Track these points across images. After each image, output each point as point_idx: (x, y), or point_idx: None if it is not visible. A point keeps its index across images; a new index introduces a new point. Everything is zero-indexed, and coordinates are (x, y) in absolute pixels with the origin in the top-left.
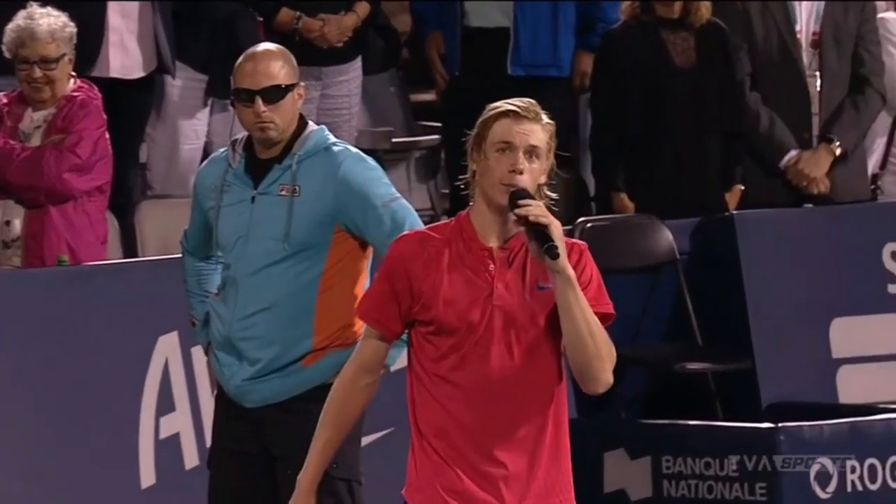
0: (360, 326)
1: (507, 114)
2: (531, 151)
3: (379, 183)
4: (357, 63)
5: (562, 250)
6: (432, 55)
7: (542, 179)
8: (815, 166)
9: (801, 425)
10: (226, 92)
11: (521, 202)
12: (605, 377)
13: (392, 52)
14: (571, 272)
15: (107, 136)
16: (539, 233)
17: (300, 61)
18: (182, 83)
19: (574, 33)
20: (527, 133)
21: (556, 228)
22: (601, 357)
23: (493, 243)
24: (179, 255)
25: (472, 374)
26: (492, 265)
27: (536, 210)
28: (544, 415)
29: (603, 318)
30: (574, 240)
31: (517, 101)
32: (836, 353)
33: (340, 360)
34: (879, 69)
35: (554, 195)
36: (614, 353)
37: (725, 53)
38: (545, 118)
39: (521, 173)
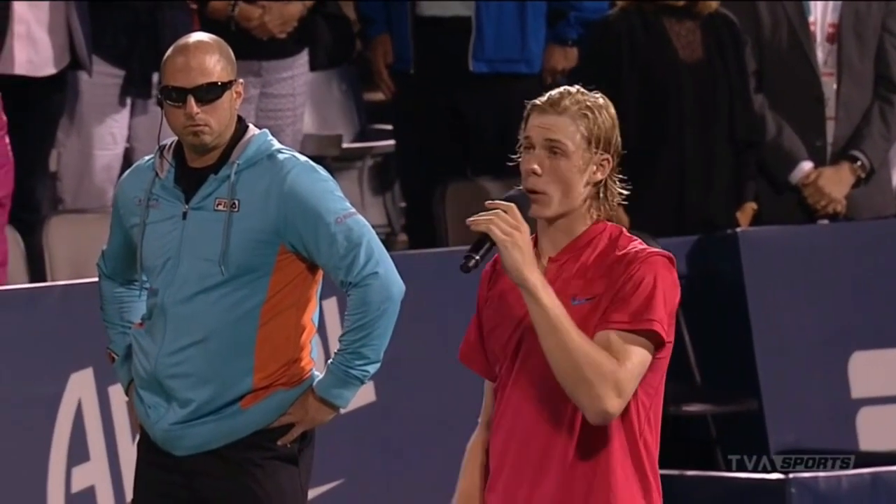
0: (307, 362)
1: (533, 108)
2: (551, 147)
3: (331, 196)
4: (303, 57)
5: (524, 261)
6: (378, 63)
7: (582, 178)
8: (836, 185)
9: (815, 476)
10: (147, 90)
11: (488, 208)
12: (595, 405)
13: (343, 44)
14: (533, 281)
15: (7, 140)
16: (479, 243)
17: (237, 55)
18: (97, 80)
19: (545, 23)
20: (546, 127)
21: (515, 248)
22: (586, 380)
23: (548, 254)
24: (95, 280)
25: (501, 405)
26: None
27: (483, 221)
28: (576, 441)
29: (646, 335)
30: (656, 249)
31: (555, 91)
32: (856, 392)
33: (285, 400)
34: None
35: (618, 199)
36: (617, 377)
37: (737, 48)
38: (579, 108)
39: (534, 173)
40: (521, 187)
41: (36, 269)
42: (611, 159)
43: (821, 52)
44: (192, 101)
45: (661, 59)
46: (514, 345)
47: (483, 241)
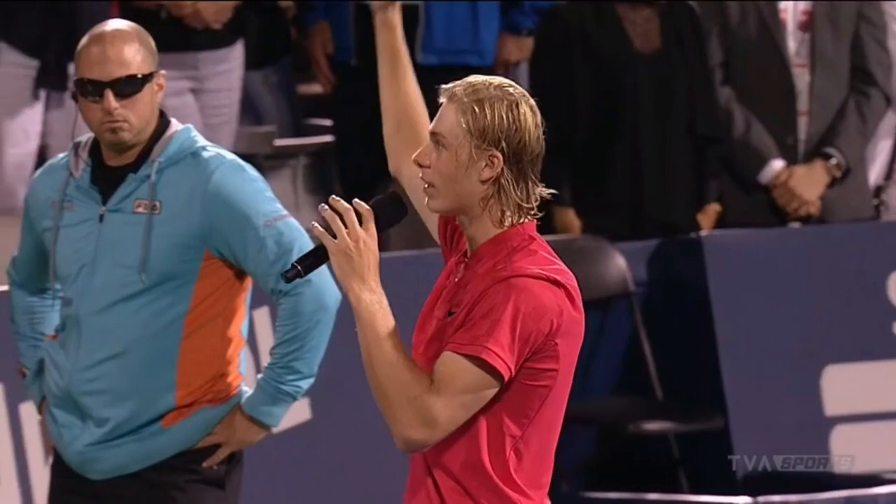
0: (235, 377)
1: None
2: (434, 138)
3: (261, 197)
4: (238, 49)
5: (349, 270)
6: (317, 53)
7: (468, 173)
8: (808, 186)
9: (786, 499)
10: (63, 81)
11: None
12: (397, 431)
13: (277, 40)
14: (355, 293)
15: None
16: (315, 248)
17: (168, 46)
18: (6, 70)
19: (499, 12)
20: (435, 118)
21: (341, 255)
22: (390, 404)
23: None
24: (5, 288)
25: None
26: (446, 285)
27: (320, 229)
28: (442, 466)
29: (477, 362)
30: (537, 272)
31: (467, 79)
32: (830, 409)
33: (211, 419)
34: (886, 60)
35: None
36: (424, 404)
37: (697, 38)
38: (470, 99)
39: (419, 164)
40: (394, 189)
41: None
42: (501, 157)
43: (792, 42)
44: (109, 95)
45: (615, 49)
46: (416, 354)
47: (319, 248)
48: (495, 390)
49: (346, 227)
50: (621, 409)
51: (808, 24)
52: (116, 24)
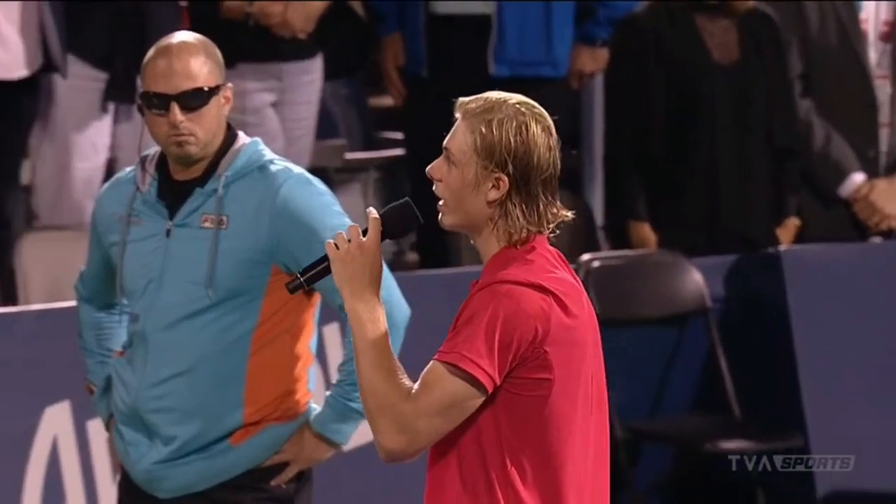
0: (304, 394)
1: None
2: (445, 153)
3: (329, 211)
4: (319, 60)
5: (346, 278)
6: (388, 65)
7: (476, 193)
8: (890, 200)
9: None
10: (131, 94)
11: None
12: (377, 440)
13: (358, 50)
14: (351, 303)
15: None
16: (321, 258)
17: (253, 56)
18: (75, 83)
19: (573, 22)
20: (449, 133)
21: (338, 262)
22: (371, 412)
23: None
24: (73, 304)
25: None
26: None
27: (341, 239)
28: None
29: (452, 369)
30: (519, 278)
31: (484, 95)
32: None
33: (279, 436)
34: None
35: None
36: (399, 411)
37: (776, 48)
38: (482, 117)
39: (435, 178)
40: (407, 198)
41: (8, 291)
42: (507, 180)
43: (873, 53)
44: (175, 108)
45: (692, 60)
46: None
47: (325, 258)
48: (478, 399)
49: (349, 235)
50: (698, 427)
51: (889, 35)
52: (183, 35)
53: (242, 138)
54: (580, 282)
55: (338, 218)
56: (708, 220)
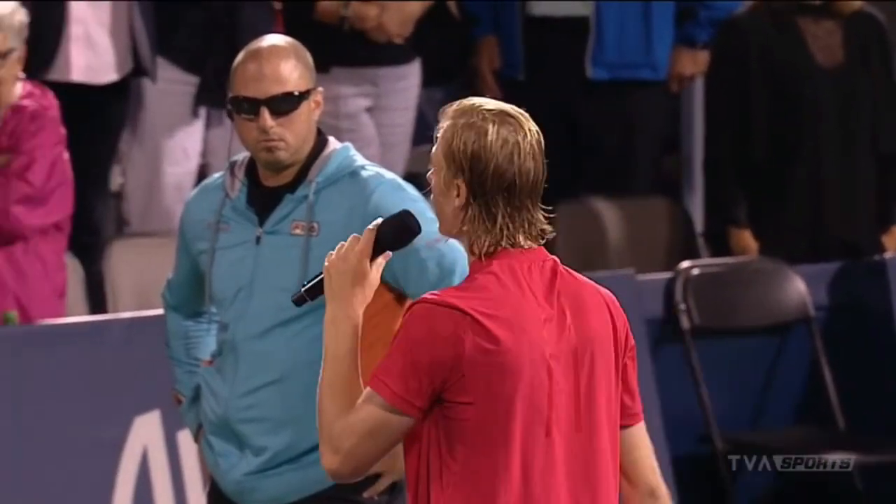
0: None
1: None
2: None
3: (422, 218)
4: (416, 66)
5: (330, 290)
6: (483, 69)
7: (447, 200)
8: None
9: None
10: (222, 98)
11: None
12: (323, 460)
13: (457, 55)
14: (331, 313)
15: (66, 156)
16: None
17: (348, 61)
18: (165, 87)
19: (673, 24)
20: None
21: (325, 272)
22: (321, 435)
23: None
24: (161, 312)
25: None
26: None
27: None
28: None
29: (369, 393)
30: (424, 301)
31: (468, 100)
32: None
33: None
34: None
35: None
36: (331, 431)
37: (883, 51)
38: (450, 123)
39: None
40: (406, 209)
41: (96, 299)
42: (465, 188)
43: None
44: (265, 113)
45: (795, 63)
46: None
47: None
48: (399, 420)
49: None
50: (801, 439)
51: None
52: (273, 39)
53: (333, 143)
54: (562, 302)
55: (431, 225)
56: (811, 226)
